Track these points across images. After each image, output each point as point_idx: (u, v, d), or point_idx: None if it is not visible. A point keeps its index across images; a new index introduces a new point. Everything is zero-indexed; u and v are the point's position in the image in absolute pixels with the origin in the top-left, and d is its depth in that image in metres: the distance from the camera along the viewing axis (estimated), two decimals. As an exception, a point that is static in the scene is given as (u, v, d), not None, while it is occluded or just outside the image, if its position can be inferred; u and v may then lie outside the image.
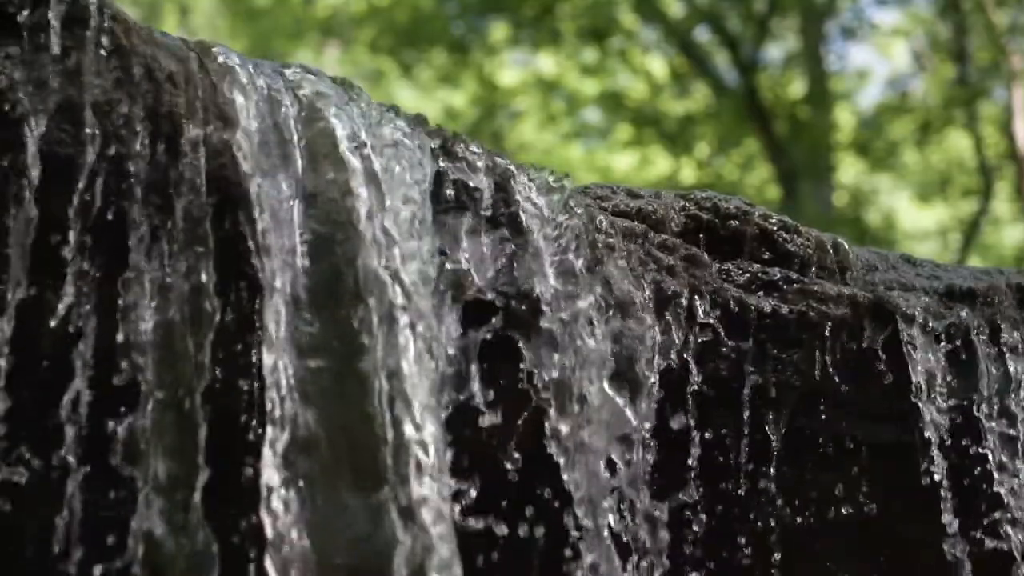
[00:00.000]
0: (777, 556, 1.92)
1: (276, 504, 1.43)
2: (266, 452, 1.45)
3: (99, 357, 1.48)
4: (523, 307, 1.68)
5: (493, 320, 1.67)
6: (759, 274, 1.95)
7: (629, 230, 1.84)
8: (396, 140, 1.62)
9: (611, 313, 1.74)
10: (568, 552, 1.68)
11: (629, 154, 13.93)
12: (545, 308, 1.69)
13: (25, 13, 1.44)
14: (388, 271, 1.52)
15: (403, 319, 1.51)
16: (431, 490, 1.46)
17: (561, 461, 1.66)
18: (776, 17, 13.22)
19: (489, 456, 1.70)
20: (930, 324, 1.98)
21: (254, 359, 1.53)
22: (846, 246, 2.09)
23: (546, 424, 1.68)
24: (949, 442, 1.95)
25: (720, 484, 1.87)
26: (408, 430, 1.47)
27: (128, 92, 1.48)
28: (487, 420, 1.67)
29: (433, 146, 1.69)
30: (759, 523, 1.90)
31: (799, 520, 1.93)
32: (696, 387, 1.83)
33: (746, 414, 1.87)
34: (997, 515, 1.96)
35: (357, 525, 1.46)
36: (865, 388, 1.94)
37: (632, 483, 1.74)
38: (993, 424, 1.97)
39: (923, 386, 1.95)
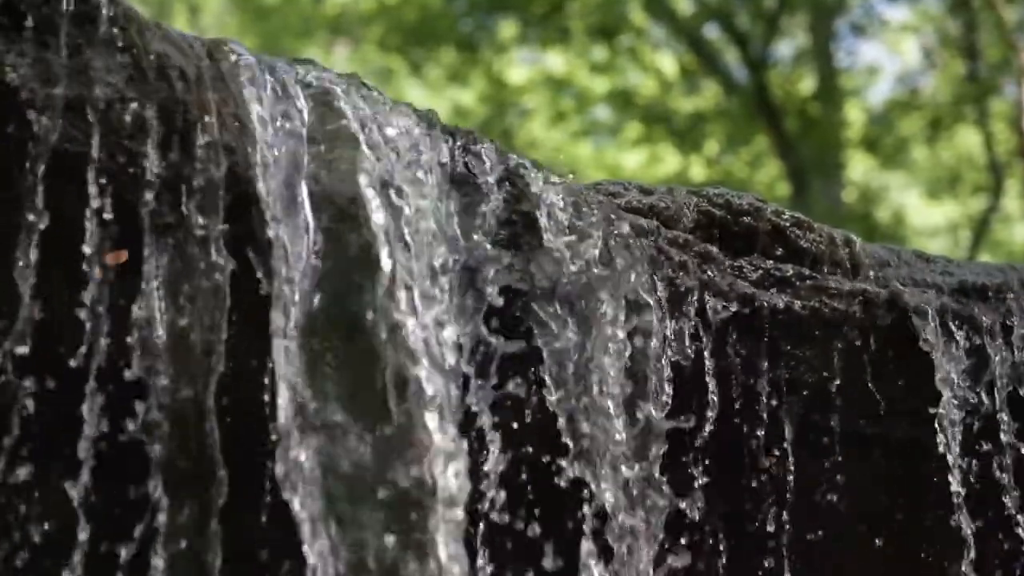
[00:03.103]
0: (791, 551, 1.91)
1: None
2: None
3: (111, 358, 1.48)
4: (536, 303, 1.68)
5: (506, 316, 1.67)
6: (772, 270, 1.94)
7: (641, 226, 1.84)
8: (409, 136, 1.62)
9: (624, 309, 1.74)
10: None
11: (638, 152, 13.93)
12: (557, 305, 1.69)
13: (36, 10, 1.44)
14: (401, 268, 1.52)
15: (415, 318, 1.51)
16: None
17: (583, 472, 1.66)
18: (785, 14, 13.22)
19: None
20: (943, 320, 1.98)
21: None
22: (858, 242, 2.09)
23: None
24: (963, 439, 1.95)
25: (733, 480, 1.87)
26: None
27: (140, 90, 1.48)
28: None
29: (446, 143, 1.69)
30: (772, 518, 1.90)
31: (812, 516, 1.92)
32: (709, 384, 1.82)
33: (759, 410, 1.86)
34: (1012, 512, 1.96)
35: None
36: (878, 384, 1.94)
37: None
38: (1007, 420, 1.97)
39: (936, 382, 1.94)
